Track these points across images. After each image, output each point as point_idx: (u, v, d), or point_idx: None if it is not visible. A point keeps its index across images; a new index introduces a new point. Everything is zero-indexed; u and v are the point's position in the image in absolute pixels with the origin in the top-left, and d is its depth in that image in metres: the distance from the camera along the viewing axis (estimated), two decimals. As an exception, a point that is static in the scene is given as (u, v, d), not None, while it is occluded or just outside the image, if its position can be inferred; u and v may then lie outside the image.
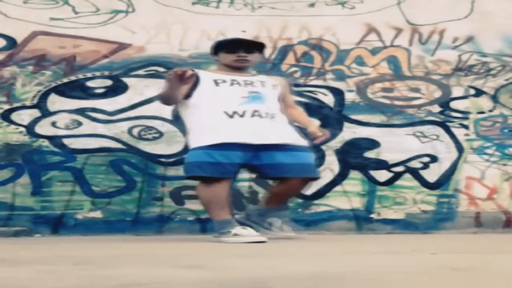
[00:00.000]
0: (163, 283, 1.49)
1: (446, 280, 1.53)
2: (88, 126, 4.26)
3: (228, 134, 3.27)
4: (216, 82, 3.39)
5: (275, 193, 3.54)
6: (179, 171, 4.24)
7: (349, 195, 4.31)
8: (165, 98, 3.46)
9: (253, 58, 3.53)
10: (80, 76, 4.32)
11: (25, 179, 4.16)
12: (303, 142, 3.45)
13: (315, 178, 3.55)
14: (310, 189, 4.24)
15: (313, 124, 3.60)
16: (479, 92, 4.49)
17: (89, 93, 4.31)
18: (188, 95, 3.39)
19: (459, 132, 4.43)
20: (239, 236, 3.17)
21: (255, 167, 3.46)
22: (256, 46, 3.58)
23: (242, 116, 3.30)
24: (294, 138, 3.42)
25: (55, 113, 4.26)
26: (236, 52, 3.46)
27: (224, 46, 3.52)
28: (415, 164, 4.37)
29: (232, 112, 3.30)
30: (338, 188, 4.27)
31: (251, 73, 3.63)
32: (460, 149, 4.40)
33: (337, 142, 4.34)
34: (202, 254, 2.45)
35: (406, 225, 4.29)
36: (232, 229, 3.23)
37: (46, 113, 4.25)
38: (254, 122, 3.30)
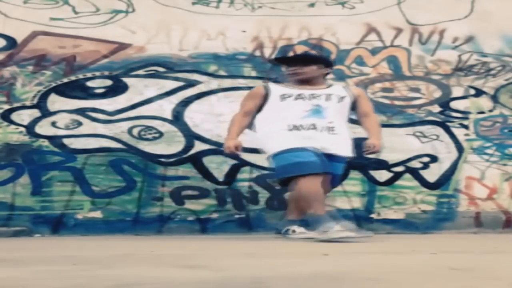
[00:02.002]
0: (163, 283, 1.49)
1: (446, 280, 1.53)
2: (88, 126, 4.27)
3: (297, 142, 3.37)
4: (283, 97, 3.50)
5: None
6: (179, 171, 4.25)
7: (349, 195, 4.31)
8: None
9: (309, 70, 3.58)
10: (80, 76, 4.32)
11: (25, 179, 4.16)
12: (348, 153, 3.53)
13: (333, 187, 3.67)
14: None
15: (375, 136, 3.59)
16: (479, 92, 4.49)
17: (89, 93, 4.31)
18: (259, 110, 3.57)
19: (459, 132, 4.43)
20: (342, 231, 3.13)
21: None
22: (311, 60, 3.67)
23: (298, 129, 3.40)
24: (342, 150, 3.49)
25: (55, 113, 4.26)
26: (290, 65, 3.62)
27: (280, 61, 3.80)
28: (415, 164, 4.37)
29: (293, 126, 3.41)
30: (338, 188, 4.27)
31: (326, 84, 3.65)
32: (460, 149, 4.40)
33: (337, 142, 4.34)
34: (202, 254, 2.45)
35: (406, 225, 4.28)
36: (330, 225, 3.18)
37: (46, 113, 4.25)
38: (310, 134, 3.39)
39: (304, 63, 3.59)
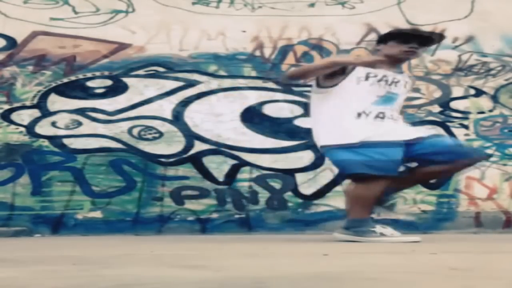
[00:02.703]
0: (163, 283, 1.49)
1: (446, 280, 1.53)
2: (88, 126, 4.27)
3: (373, 132, 3.11)
4: (368, 76, 3.18)
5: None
6: (179, 171, 4.25)
7: (349, 195, 4.30)
8: (309, 73, 3.27)
9: (420, 52, 3.38)
10: (80, 76, 4.32)
11: (25, 179, 4.16)
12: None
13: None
14: (310, 189, 4.25)
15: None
16: (479, 92, 4.49)
17: (89, 93, 4.31)
18: (335, 83, 3.20)
19: (459, 132, 4.43)
20: (386, 236, 3.07)
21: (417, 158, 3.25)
22: (428, 40, 3.37)
23: (369, 115, 3.13)
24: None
25: (55, 113, 4.26)
26: (409, 43, 3.26)
27: (397, 36, 3.31)
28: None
29: (362, 111, 3.13)
30: (338, 188, 4.27)
31: (400, 68, 3.43)
32: (460, 149, 4.39)
33: (337, 142, 4.33)
34: (202, 254, 2.45)
35: (406, 225, 4.28)
36: (373, 228, 3.10)
37: (46, 113, 4.25)
38: (377, 123, 3.14)
39: (424, 44, 3.31)
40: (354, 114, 3.13)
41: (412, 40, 3.27)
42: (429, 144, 3.14)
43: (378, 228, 3.10)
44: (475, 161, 3.40)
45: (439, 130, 4.42)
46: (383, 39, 3.36)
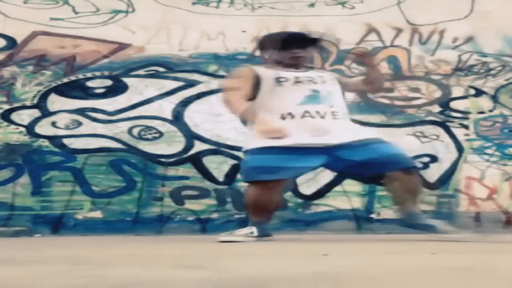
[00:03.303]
0: (163, 283, 1.49)
1: (446, 280, 1.53)
2: (88, 126, 4.27)
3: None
4: (278, 81, 3.20)
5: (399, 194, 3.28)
6: (179, 171, 4.25)
7: (349, 195, 4.30)
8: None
9: (307, 54, 3.37)
10: (80, 76, 4.32)
11: (25, 179, 4.16)
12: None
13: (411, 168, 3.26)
14: (310, 189, 4.25)
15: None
16: (479, 92, 4.49)
17: (89, 93, 4.31)
18: (253, 97, 3.23)
19: (459, 132, 4.43)
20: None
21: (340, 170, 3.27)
22: (309, 41, 3.38)
23: (293, 117, 3.13)
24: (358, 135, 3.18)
25: (55, 113, 4.26)
26: (289, 49, 3.27)
27: (274, 43, 3.32)
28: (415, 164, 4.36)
29: (287, 114, 3.14)
30: (338, 188, 4.27)
31: (307, 66, 3.41)
32: (460, 149, 4.40)
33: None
34: (202, 254, 2.45)
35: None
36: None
37: (46, 113, 4.25)
38: (307, 122, 3.12)
39: (303, 46, 3.31)
40: (277, 117, 3.12)
41: (291, 45, 3.26)
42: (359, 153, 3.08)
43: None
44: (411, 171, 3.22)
45: (439, 130, 4.43)
46: (264, 47, 3.37)
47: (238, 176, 4.26)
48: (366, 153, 3.09)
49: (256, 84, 3.23)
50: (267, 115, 3.13)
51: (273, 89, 3.19)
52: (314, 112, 3.14)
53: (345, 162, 3.13)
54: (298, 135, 3.06)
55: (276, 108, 3.16)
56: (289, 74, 3.23)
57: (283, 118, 3.14)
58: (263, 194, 3.17)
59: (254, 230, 3.22)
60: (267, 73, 3.25)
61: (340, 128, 3.15)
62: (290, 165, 3.11)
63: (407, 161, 3.23)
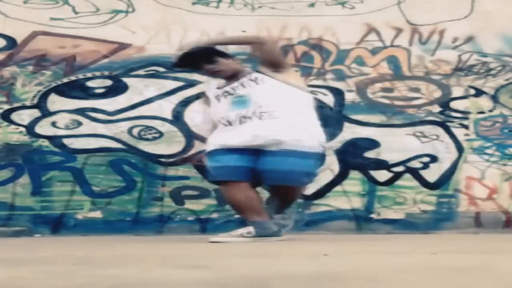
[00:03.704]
0: (163, 283, 1.49)
1: (446, 280, 1.53)
2: (88, 126, 4.27)
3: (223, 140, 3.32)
4: (218, 99, 3.42)
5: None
6: (179, 171, 4.25)
7: (349, 195, 4.30)
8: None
9: (216, 66, 3.38)
10: (80, 76, 4.32)
11: (25, 179, 4.16)
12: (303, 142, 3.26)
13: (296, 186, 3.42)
14: (310, 189, 4.24)
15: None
16: (479, 92, 4.48)
17: (89, 93, 4.31)
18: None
19: (459, 132, 4.43)
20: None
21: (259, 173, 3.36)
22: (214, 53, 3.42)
23: (230, 124, 3.31)
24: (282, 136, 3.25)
25: (55, 113, 4.26)
26: (200, 67, 3.47)
27: (186, 64, 3.51)
28: (415, 164, 4.37)
29: (227, 121, 3.33)
30: (338, 188, 4.27)
31: (248, 71, 3.47)
32: (460, 149, 4.40)
33: (337, 142, 4.34)
34: (202, 254, 2.45)
35: (406, 225, 4.28)
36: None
37: (46, 113, 4.25)
38: (242, 128, 3.27)
39: (207, 61, 3.37)
40: (223, 125, 3.34)
41: (200, 63, 3.40)
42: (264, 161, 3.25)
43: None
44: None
45: (439, 130, 4.43)
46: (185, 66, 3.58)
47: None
48: (270, 164, 3.24)
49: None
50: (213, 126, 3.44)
51: (212, 104, 3.45)
52: (240, 117, 3.27)
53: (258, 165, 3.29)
54: (233, 138, 3.26)
55: (216, 118, 3.41)
56: (219, 91, 3.43)
57: (224, 125, 3.35)
58: (236, 192, 3.28)
59: (251, 229, 3.23)
60: (211, 93, 3.50)
61: (263, 129, 3.23)
62: (233, 164, 3.26)
63: (299, 181, 3.41)
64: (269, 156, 3.23)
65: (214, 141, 3.35)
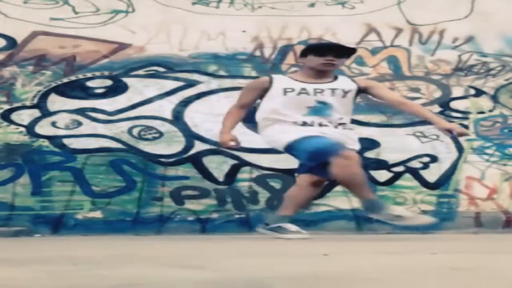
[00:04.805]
0: (163, 283, 1.49)
1: (446, 280, 1.53)
2: (88, 126, 4.27)
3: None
4: (285, 91, 3.46)
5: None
6: (179, 171, 4.25)
7: (349, 195, 4.29)
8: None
9: (340, 62, 3.60)
10: (80, 76, 4.32)
11: (25, 179, 4.16)
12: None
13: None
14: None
15: (440, 120, 3.62)
16: (479, 92, 4.49)
17: (89, 93, 4.31)
18: (261, 96, 3.57)
19: (459, 132, 4.42)
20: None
21: None
22: (345, 51, 3.60)
23: (311, 125, 3.40)
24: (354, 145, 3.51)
25: (55, 113, 4.26)
26: (325, 55, 3.49)
27: (314, 49, 3.55)
28: (415, 164, 4.37)
29: (302, 122, 3.40)
30: (338, 188, 4.26)
31: (332, 77, 3.60)
32: (460, 149, 4.40)
33: (337, 142, 4.33)
34: (202, 254, 2.45)
35: (406, 225, 4.27)
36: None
37: (46, 113, 4.25)
38: (322, 130, 3.39)
39: (338, 55, 3.52)
40: (291, 124, 3.41)
41: (328, 52, 3.48)
42: None
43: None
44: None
45: (439, 131, 4.42)
46: (304, 53, 3.58)
47: (238, 176, 4.27)
48: None
49: (265, 91, 3.53)
50: (279, 120, 3.44)
51: (280, 99, 3.47)
52: (317, 124, 3.40)
53: None
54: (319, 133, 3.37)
55: (285, 116, 3.43)
56: (298, 85, 3.47)
57: (298, 124, 3.41)
58: (355, 164, 3.28)
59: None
60: (279, 82, 3.51)
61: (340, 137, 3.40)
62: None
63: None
64: None
65: (297, 133, 3.35)
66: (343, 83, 3.58)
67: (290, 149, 3.43)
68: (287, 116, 3.43)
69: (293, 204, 3.57)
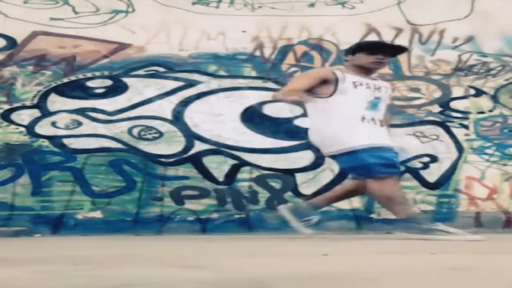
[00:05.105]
0: (163, 283, 1.49)
1: (446, 280, 1.53)
2: (88, 126, 4.27)
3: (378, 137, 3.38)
4: (355, 85, 3.42)
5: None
6: (179, 171, 4.25)
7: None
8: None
9: (388, 61, 3.63)
10: (80, 76, 4.32)
11: (25, 179, 4.16)
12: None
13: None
14: (310, 189, 4.25)
15: None
16: (479, 92, 4.49)
17: (89, 93, 4.31)
18: (331, 93, 3.41)
19: (459, 132, 4.43)
20: (453, 234, 3.20)
21: None
22: (395, 50, 3.62)
23: (362, 121, 3.36)
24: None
25: (55, 113, 4.26)
26: (375, 54, 3.47)
27: (365, 47, 3.53)
28: (415, 164, 4.37)
29: (362, 117, 3.36)
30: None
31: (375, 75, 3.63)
32: (460, 149, 4.40)
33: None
34: (202, 254, 2.45)
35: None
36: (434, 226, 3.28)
37: (46, 113, 4.25)
38: (373, 128, 3.39)
39: (391, 54, 3.57)
40: (359, 119, 3.34)
41: (378, 51, 3.48)
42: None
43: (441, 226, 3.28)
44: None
45: (439, 130, 4.43)
46: (353, 50, 3.54)
47: (238, 176, 4.26)
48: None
49: (329, 84, 3.40)
50: (349, 114, 3.35)
51: (351, 92, 3.39)
52: (377, 119, 3.40)
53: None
54: (382, 137, 3.39)
55: (354, 111, 3.37)
56: (362, 79, 3.46)
57: (362, 120, 3.36)
58: (396, 187, 3.35)
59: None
60: (346, 76, 3.44)
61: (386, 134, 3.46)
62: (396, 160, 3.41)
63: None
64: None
65: (367, 138, 3.31)
66: (384, 82, 3.61)
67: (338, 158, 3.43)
68: (354, 110, 3.36)
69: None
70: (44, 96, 4.27)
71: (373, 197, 3.56)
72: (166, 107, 4.33)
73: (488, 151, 4.42)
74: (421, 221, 3.34)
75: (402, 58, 4.50)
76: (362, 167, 3.31)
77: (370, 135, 3.32)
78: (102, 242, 3.39)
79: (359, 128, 3.32)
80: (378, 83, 3.50)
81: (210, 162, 4.28)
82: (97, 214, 4.17)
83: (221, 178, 4.27)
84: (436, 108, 4.46)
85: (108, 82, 4.35)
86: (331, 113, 3.36)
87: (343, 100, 3.36)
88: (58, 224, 4.13)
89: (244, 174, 4.26)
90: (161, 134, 4.30)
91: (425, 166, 4.37)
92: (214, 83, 4.39)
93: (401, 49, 3.64)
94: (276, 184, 4.28)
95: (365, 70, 3.49)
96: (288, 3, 4.51)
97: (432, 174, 4.37)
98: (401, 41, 4.50)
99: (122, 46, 4.37)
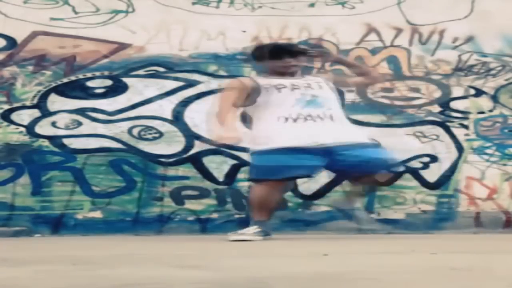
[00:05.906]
0: (163, 283, 1.49)
1: (446, 280, 1.53)
2: (88, 126, 4.27)
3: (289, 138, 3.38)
4: (277, 87, 3.46)
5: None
6: (179, 171, 4.25)
7: (349, 196, 4.29)
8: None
9: (298, 62, 3.62)
10: (80, 76, 4.32)
11: (25, 179, 4.16)
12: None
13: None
14: (310, 189, 4.25)
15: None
16: (479, 92, 4.48)
17: (89, 93, 4.31)
18: (255, 101, 3.52)
19: (459, 132, 4.42)
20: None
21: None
22: (299, 51, 3.65)
23: (293, 121, 3.41)
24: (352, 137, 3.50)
25: (55, 113, 4.26)
26: (282, 58, 3.52)
27: (269, 55, 3.58)
28: (415, 164, 4.37)
29: (286, 118, 3.41)
30: (338, 188, 4.26)
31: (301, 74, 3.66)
32: (460, 149, 4.40)
33: (337, 142, 4.33)
34: (202, 254, 2.45)
35: (406, 225, 4.28)
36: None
37: (46, 113, 4.25)
38: (308, 126, 3.41)
39: (294, 55, 3.58)
40: (282, 121, 3.41)
41: (284, 55, 3.53)
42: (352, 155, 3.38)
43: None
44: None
45: (439, 130, 4.42)
46: (258, 58, 3.66)
47: (238, 176, 4.26)
48: (357, 155, 3.39)
49: (253, 92, 3.50)
50: (268, 119, 3.45)
51: (272, 95, 3.46)
52: (315, 115, 3.41)
53: (340, 162, 3.43)
54: (299, 137, 3.35)
55: (277, 112, 3.44)
56: (287, 82, 3.49)
57: (285, 121, 3.41)
58: (268, 193, 3.40)
59: (259, 229, 3.37)
60: (265, 81, 3.52)
61: (337, 130, 3.45)
62: (293, 163, 3.36)
63: (388, 166, 3.62)
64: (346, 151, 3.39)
65: (280, 138, 3.36)
66: (319, 77, 3.66)
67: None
68: (275, 113, 3.43)
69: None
70: (44, 96, 4.27)
71: None
72: (166, 107, 4.33)
73: (488, 151, 4.42)
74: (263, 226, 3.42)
75: (402, 58, 4.50)
76: (250, 167, 3.55)
77: (283, 136, 3.35)
78: (102, 242, 3.39)
79: (275, 130, 3.39)
80: (307, 80, 3.53)
81: (210, 162, 4.28)
82: (97, 214, 4.17)
83: (221, 178, 4.27)
84: (436, 108, 4.45)
85: (108, 82, 4.35)
86: (256, 119, 3.52)
87: (266, 104, 3.45)
88: (58, 224, 4.13)
89: (244, 174, 4.26)
90: (161, 134, 4.30)
91: (425, 166, 4.37)
92: (214, 83, 4.38)
93: (302, 51, 3.66)
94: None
95: (286, 73, 3.53)
96: (288, 3, 4.51)
97: (432, 174, 4.36)
98: (401, 41, 4.51)
99: (122, 46, 4.36)
